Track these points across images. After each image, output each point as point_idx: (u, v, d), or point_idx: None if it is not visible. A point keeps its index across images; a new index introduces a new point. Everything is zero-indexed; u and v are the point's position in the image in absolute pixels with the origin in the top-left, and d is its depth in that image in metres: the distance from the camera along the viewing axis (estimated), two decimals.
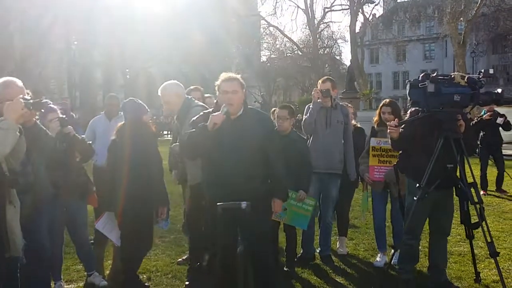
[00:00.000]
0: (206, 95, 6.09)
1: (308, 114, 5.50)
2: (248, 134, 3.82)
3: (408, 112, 4.77)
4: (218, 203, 3.70)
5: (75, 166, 4.67)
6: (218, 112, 3.78)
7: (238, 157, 3.76)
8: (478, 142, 10.03)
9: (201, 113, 4.05)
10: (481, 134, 10.16)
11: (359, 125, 6.35)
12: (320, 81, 5.73)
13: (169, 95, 4.86)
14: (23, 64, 32.35)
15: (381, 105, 5.59)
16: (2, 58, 30.53)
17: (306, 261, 5.55)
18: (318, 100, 5.48)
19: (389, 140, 4.75)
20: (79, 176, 4.74)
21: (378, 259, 5.61)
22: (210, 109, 4.05)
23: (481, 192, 8.61)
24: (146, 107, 4.80)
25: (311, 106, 5.51)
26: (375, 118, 5.62)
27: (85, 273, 5.00)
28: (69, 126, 4.51)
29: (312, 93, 5.61)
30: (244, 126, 3.85)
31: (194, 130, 3.84)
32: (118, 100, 6.63)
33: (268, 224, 4.18)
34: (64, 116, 4.57)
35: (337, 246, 6.12)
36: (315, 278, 5.10)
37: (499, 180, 10.28)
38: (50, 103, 4.70)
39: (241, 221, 3.81)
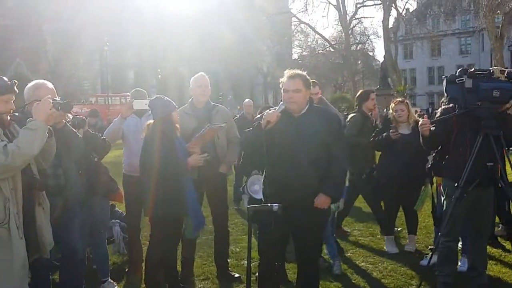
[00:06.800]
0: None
1: None
2: (310, 133, 3.67)
3: (439, 110, 4.59)
4: (248, 206, 3.64)
5: (97, 165, 4.56)
6: (274, 110, 3.64)
7: (299, 156, 3.63)
8: None
9: (268, 111, 3.83)
10: None
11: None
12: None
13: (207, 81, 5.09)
14: (57, 65, 33.15)
15: None
16: (36, 60, 31.34)
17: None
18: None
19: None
20: (102, 174, 4.59)
21: None
22: (274, 108, 3.88)
23: None
24: (174, 104, 4.73)
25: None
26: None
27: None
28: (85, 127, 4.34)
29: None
30: (307, 125, 3.69)
31: (252, 128, 3.71)
32: None
33: (323, 228, 4.06)
34: (80, 116, 4.44)
35: (406, 243, 6.05)
36: (346, 280, 5.00)
37: None
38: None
39: (296, 224, 3.72)
